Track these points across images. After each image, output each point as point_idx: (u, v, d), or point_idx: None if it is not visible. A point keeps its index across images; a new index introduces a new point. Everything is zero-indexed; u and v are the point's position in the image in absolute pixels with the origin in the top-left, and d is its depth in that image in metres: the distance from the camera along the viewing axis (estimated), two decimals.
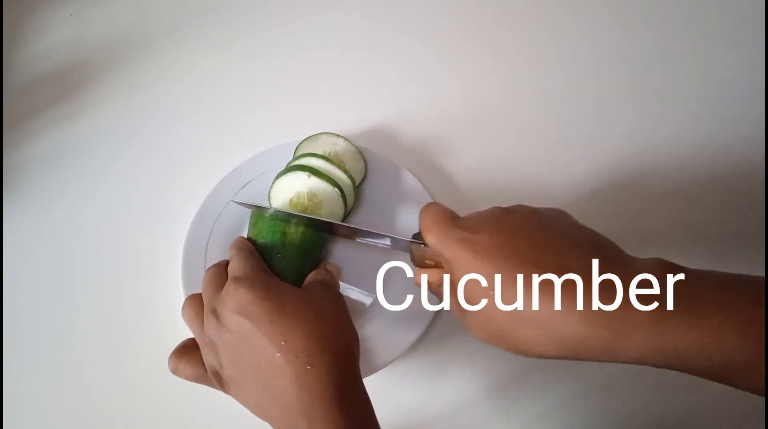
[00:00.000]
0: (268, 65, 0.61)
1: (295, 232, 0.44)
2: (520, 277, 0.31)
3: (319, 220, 0.44)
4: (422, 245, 0.38)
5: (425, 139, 0.56)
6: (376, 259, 0.46)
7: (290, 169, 0.47)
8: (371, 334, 0.46)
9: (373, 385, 0.44)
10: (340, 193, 0.46)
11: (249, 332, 0.34)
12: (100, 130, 0.58)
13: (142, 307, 0.50)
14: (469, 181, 0.54)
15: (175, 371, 0.38)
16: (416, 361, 0.48)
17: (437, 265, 0.38)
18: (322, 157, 0.47)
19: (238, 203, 0.46)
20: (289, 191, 0.46)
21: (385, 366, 0.45)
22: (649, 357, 0.29)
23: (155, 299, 0.50)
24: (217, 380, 0.36)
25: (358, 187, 0.50)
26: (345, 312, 0.39)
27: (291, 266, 0.43)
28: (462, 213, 0.52)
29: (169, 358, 0.38)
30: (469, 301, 0.33)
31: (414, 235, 0.39)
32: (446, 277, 0.36)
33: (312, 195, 0.46)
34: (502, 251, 0.32)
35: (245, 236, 0.46)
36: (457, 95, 0.59)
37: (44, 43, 0.62)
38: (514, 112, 0.58)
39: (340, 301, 0.40)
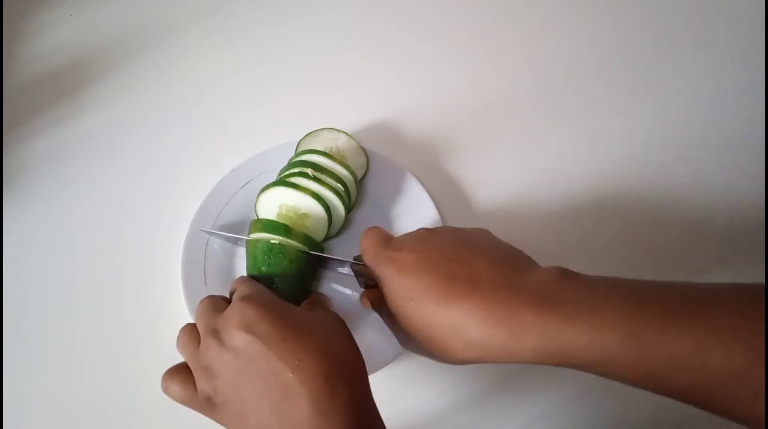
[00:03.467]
0: (268, 64, 0.61)
1: (291, 262, 0.44)
2: (433, 288, 0.34)
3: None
4: (362, 266, 0.41)
5: (426, 137, 0.56)
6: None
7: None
8: (371, 333, 0.46)
9: (372, 385, 0.44)
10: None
11: (257, 351, 0.33)
12: (100, 130, 0.58)
13: (142, 307, 0.50)
14: (468, 180, 0.54)
15: (166, 391, 0.37)
16: (416, 361, 0.48)
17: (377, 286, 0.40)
18: (324, 153, 0.47)
19: (207, 232, 0.49)
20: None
21: (384, 366, 0.45)
22: (542, 355, 0.32)
23: (155, 299, 0.50)
24: (209, 405, 0.35)
25: (360, 182, 0.50)
26: (350, 333, 0.38)
27: (290, 293, 0.44)
28: (460, 212, 0.53)
29: (162, 377, 0.37)
30: (395, 313, 0.37)
31: (355, 257, 0.44)
32: (381, 296, 0.39)
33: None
34: (419, 266, 0.36)
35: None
36: (457, 93, 0.59)
37: (44, 43, 0.62)
38: (515, 110, 0.58)
39: (343, 322, 0.39)
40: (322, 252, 0.47)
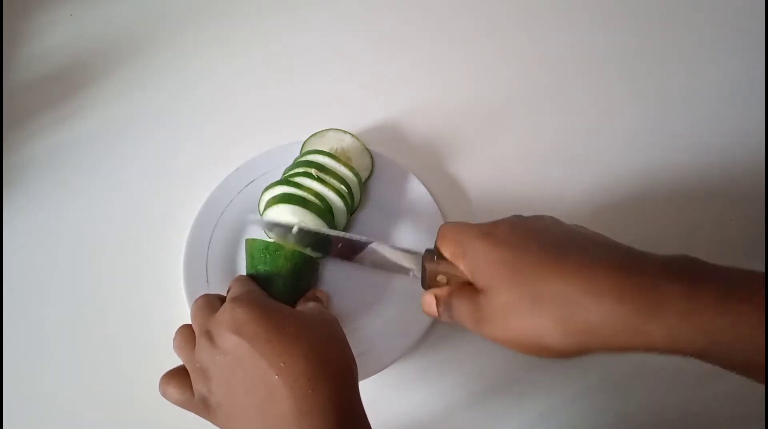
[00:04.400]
0: (271, 64, 0.61)
1: (287, 260, 0.44)
2: (542, 258, 0.30)
3: (326, 234, 0.42)
4: (435, 258, 0.36)
5: (431, 138, 0.56)
6: (369, 284, 0.48)
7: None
8: (371, 336, 0.46)
9: (372, 386, 0.44)
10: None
11: (245, 353, 0.33)
12: (100, 130, 0.57)
13: (143, 307, 0.50)
14: (475, 185, 0.54)
15: (164, 394, 0.37)
16: (415, 362, 0.48)
17: (447, 284, 0.37)
18: (328, 154, 0.47)
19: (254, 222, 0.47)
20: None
21: (385, 368, 0.45)
22: (680, 340, 0.27)
23: (157, 299, 0.50)
24: (205, 406, 0.35)
25: (364, 184, 0.50)
26: (342, 334, 0.38)
27: (285, 291, 0.44)
28: (464, 216, 0.53)
29: (160, 380, 0.37)
30: (489, 288, 0.32)
31: (427, 250, 0.38)
32: (455, 288, 0.35)
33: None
34: (523, 240, 0.32)
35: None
36: (464, 95, 0.59)
37: (44, 43, 0.62)
38: (522, 114, 0.58)
39: (336, 323, 0.39)
40: (314, 278, 0.47)
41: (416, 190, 0.51)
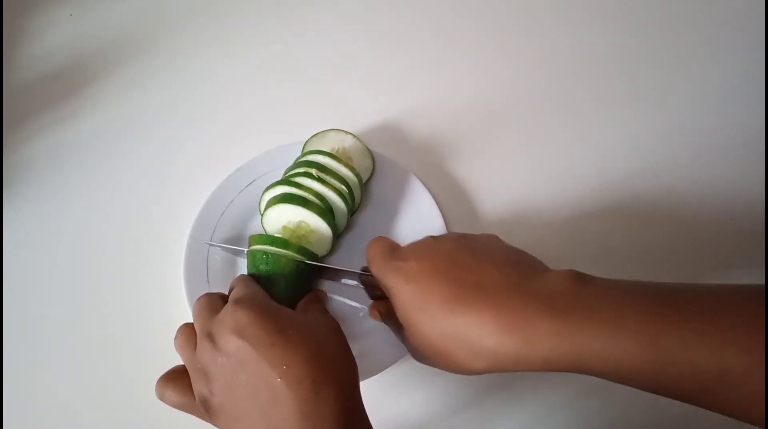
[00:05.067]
0: (271, 64, 0.61)
1: (288, 259, 0.44)
2: (441, 297, 0.34)
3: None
4: (370, 276, 0.41)
5: (433, 139, 0.56)
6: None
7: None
8: (370, 336, 0.46)
9: (372, 386, 0.44)
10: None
11: (247, 355, 0.33)
12: (100, 130, 0.57)
13: (143, 307, 0.50)
14: (475, 185, 0.54)
15: (161, 397, 0.36)
16: (415, 363, 0.47)
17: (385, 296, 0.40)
18: (329, 154, 0.47)
19: (210, 245, 0.49)
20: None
21: (386, 368, 0.45)
22: (555, 363, 0.31)
23: (157, 299, 0.50)
24: (206, 408, 0.35)
25: (365, 184, 0.50)
26: (343, 337, 0.38)
27: (287, 291, 0.44)
28: (465, 216, 0.53)
29: (157, 383, 0.37)
30: (404, 323, 0.36)
31: (363, 268, 0.43)
32: (390, 307, 0.38)
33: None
34: (425, 275, 0.35)
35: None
36: (465, 96, 0.59)
37: (44, 43, 0.62)
38: (523, 114, 0.58)
39: (338, 326, 0.39)
40: (315, 279, 0.48)
41: (417, 190, 0.51)
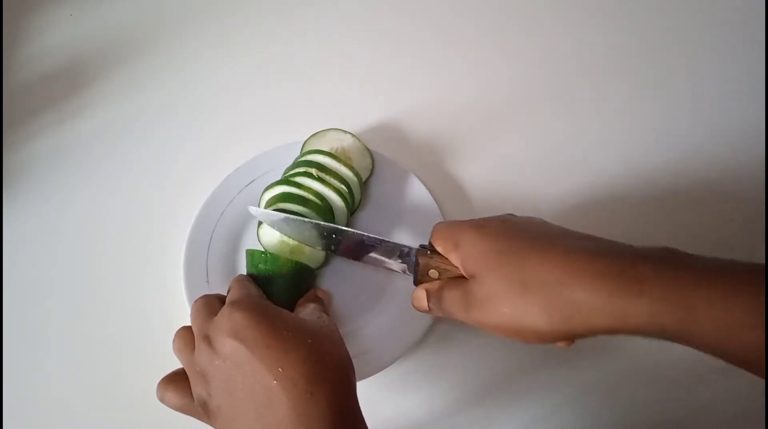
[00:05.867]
0: (271, 64, 0.61)
1: (287, 259, 0.44)
2: (531, 246, 0.33)
3: (327, 225, 0.44)
4: (429, 252, 0.39)
5: (432, 139, 0.56)
6: (370, 284, 0.48)
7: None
8: (371, 336, 0.46)
9: (372, 386, 0.44)
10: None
11: (243, 358, 0.33)
12: (100, 130, 0.57)
13: (144, 307, 0.50)
14: (475, 185, 0.54)
15: (162, 399, 0.37)
16: (415, 363, 0.48)
17: (439, 279, 0.39)
18: (329, 153, 0.47)
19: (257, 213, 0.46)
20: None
21: (385, 368, 0.45)
22: (660, 320, 0.28)
23: (157, 299, 0.50)
24: (204, 410, 0.35)
25: (364, 184, 0.50)
26: (340, 337, 0.38)
27: (285, 291, 0.44)
28: (466, 216, 0.52)
29: (157, 385, 0.37)
30: (479, 274, 0.34)
31: (420, 245, 0.41)
32: (446, 282, 0.38)
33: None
34: (512, 231, 0.35)
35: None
36: (465, 95, 0.59)
37: (44, 43, 0.62)
38: (523, 113, 0.58)
39: (334, 327, 0.39)
40: (314, 278, 0.47)
41: (416, 189, 0.51)
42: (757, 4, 0.62)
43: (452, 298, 0.36)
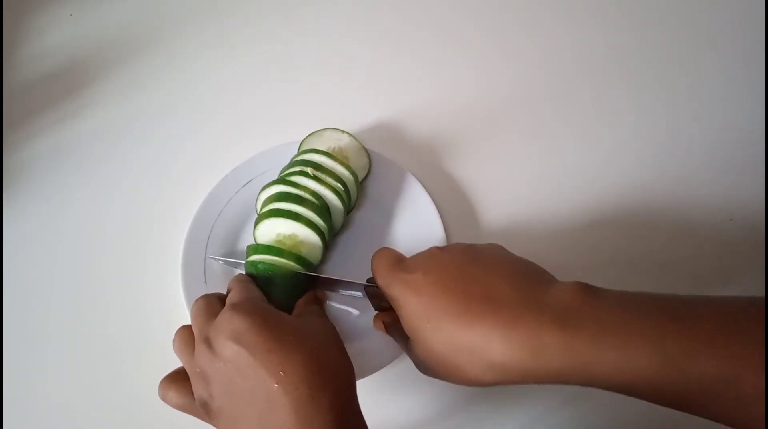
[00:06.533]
0: (270, 64, 0.61)
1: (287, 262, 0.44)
2: (449, 309, 0.34)
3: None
4: (375, 287, 0.41)
5: (431, 139, 0.56)
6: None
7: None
8: (366, 336, 0.46)
9: (370, 385, 0.44)
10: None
11: (244, 361, 0.33)
12: (100, 130, 0.58)
13: (143, 307, 0.50)
14: (473, 185, 0.54)
15: (164, 398, 0.37)
16: (412, 363, 0.47)
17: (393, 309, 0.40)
18: (325, 153, 0.47)
19: (214, 259, 0.48)
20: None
21: (383, 366, 0.44)
22: (565, 377, 0.31)
23: (156, 299, 0.50)
24: (206, 411, 0.35)
25: (361, 183, 0.50)
26: (340, 340, 0.38)
27: (285, 290, 0.44)
28: (463, 216, 0.53)
29: (160, 384, 0.37)
30: (411, 336, 0.36)
31: (368, 279, 0.43)
32: (395, 318, 0.38)
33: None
34: (433, 287, 0.35)
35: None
36: (464, 95, 0.59)
37: (44, 43, 0.62)
38: (522, 114, 0.58)
39: (334, 330, 0.39)
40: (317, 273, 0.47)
41: (414, 189, 0.51)
42: (757, 4, 0.61)
43: (401, 344, 0.40)
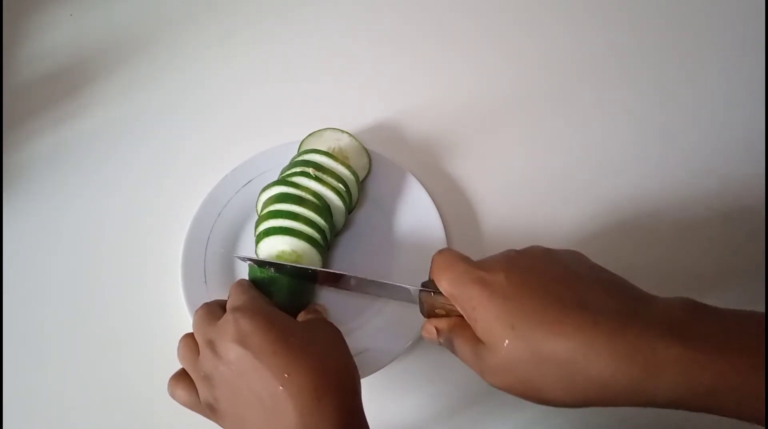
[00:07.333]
0: (270, 64, 0.61)
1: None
2: (541, 314, 0.30)
3: (315, 269, 0.43)
4: (432, 293, 0.37)
5: (431, 139, 0.56)
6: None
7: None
8: (371, 333, 0.46)
9: (372, 385, 0.43)
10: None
11: (249, 364, 0.33)
12: (100, 130, 0.58)
13: (143, 307, 0.50)
14: (473, 185, 0.54)
15: (173, 395, 0.37)
16: (415, 361, 0.48)
17: (447, 315, 0.37)
18: (326, 153, 0.47)
19: (240, 258, 0.47)
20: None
21: (385, 366, 0.44)
22: (681, 396, 0.28)
23: (156, 299, 0.50)
24: (212, 412, 0.35)
25: (362, 183, 0.50)
26: (345, 344, 0.38)
27: (287, 296, 0.43)
28: (463, 216, 0.53)
29: (169, 381, 0.37)
30: (487, 342, 0.32)
31: (423, 283, 0.38)
32: (456, 323, 0.35)
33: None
34: (520, 290, 0.32)
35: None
36: (464, 95, 0.59)
37: (44, 43, 0.62)
38: (522, 114, 0.58)
39: (339, 332, 0.38)
40: (316, 277, 0.46)
41: (414, 189, 0.51)
42: (757, 4, 0.61)
43: (464, 352, 0.35)
